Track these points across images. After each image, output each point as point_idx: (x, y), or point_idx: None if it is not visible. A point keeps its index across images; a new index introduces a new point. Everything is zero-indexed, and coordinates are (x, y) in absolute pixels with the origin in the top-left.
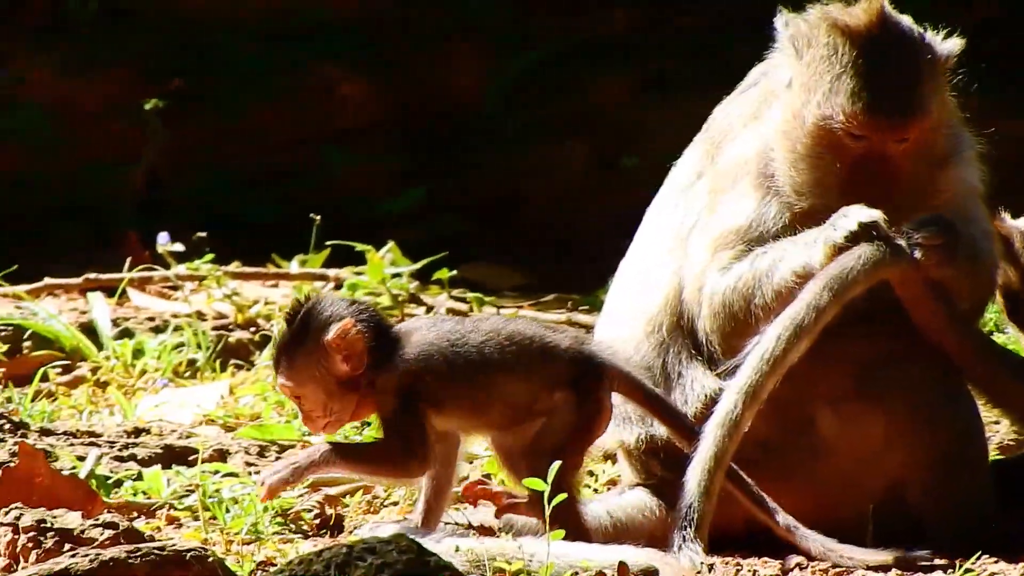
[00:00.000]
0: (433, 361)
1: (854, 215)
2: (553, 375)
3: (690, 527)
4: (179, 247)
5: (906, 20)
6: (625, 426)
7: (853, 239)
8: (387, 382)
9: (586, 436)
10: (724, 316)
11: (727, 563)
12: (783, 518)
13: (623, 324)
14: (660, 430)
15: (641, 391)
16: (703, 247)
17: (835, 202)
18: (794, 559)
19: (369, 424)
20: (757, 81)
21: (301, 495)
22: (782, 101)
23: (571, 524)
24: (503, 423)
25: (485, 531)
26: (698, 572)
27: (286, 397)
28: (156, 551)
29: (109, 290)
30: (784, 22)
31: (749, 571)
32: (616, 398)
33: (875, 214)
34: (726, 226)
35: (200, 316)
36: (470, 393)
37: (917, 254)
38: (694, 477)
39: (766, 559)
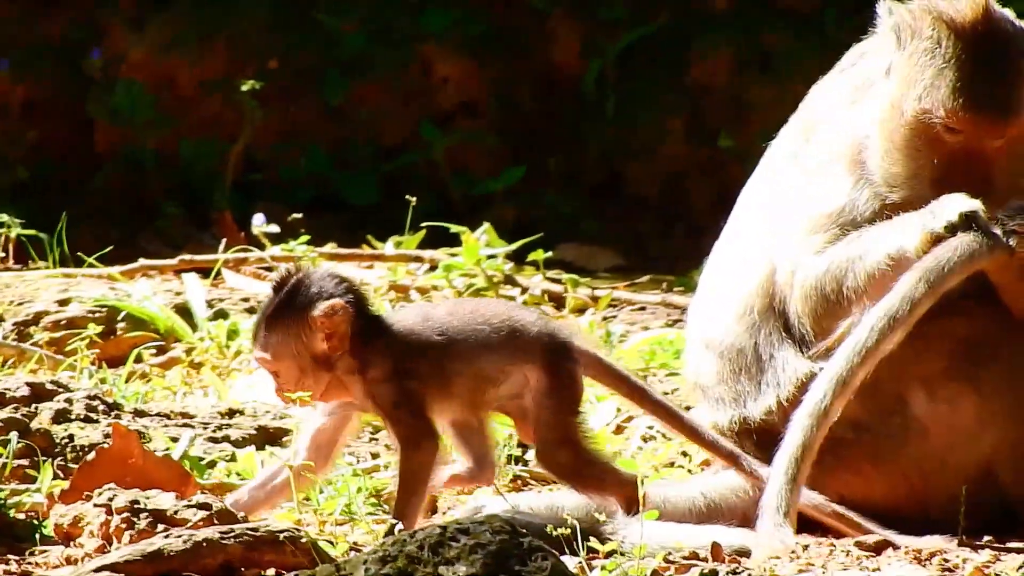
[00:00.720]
0: (417, 342)
1: (955, 205)
2: (522, 350)
3: (778, 514)
4: (274, 228)
5: (1010, 15)
6: (719, 408)
7: (952, 229)
8: (379, 371)
9: (568, 407)
10: (816, 299)
11: (820, 543)
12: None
13: (715, 306)
14: (754, 412)
15: (609, 372)
16: (796, 231)
17: (928, 194)
18: (873, 538)
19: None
20: (855, 63)
21: (394, 476)
22: (880, 89)
23: (591, 487)
24: (472, 400)
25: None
26: (792, 551)
27: (260, 366)
28: (249, 532)
29: (204, 271)
30: (887, 9)
31: (843, 551)
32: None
33: (975, 204)
34: (819, 210)
35: None
36: (446, 368)
37: (1012, 242)
38: (781, 465)
39: (859, 538)
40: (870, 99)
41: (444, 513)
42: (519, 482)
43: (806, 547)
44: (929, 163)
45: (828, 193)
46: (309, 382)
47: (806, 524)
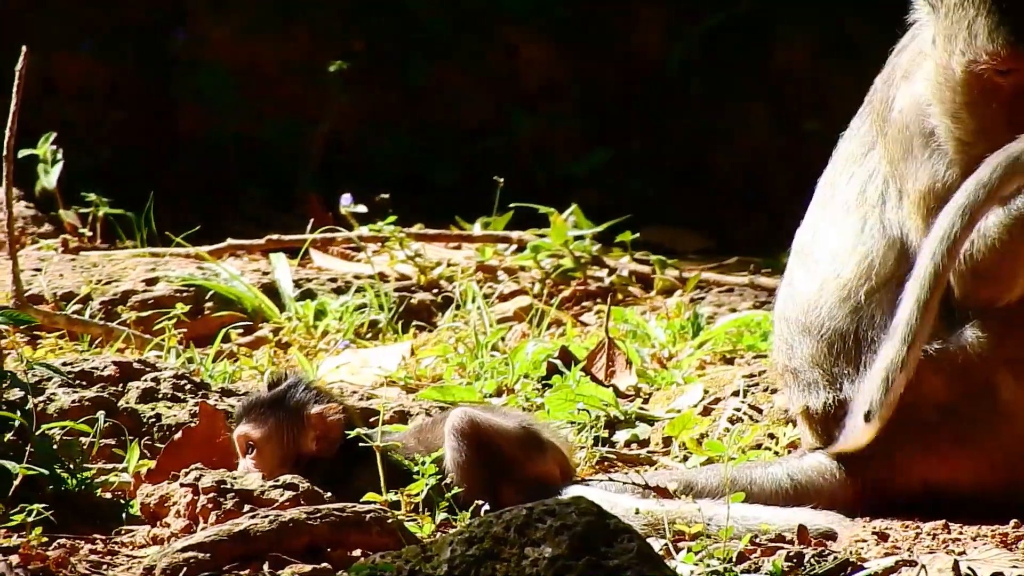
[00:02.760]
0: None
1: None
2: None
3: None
4: (362, 208)
5: None
6: (811, 391)
7: None
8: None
9: None
10: (967, 273)
11: (906, 527)
12: None
13: (809, 290)
14: (849, 394)
15: None
16: (913, 214)
17: (1002, 143)
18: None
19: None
20: (906, 45)
21: None
22: (930, 60)
23: None
24: None
25: (662, 493)
26: (876, 533)
27: (236, 444)
28: (336, 512)
29: (291, 251)
30: None
31: (928, 534)
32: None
33: None
34: (922, 190)
35: (382, 277)
36: None
37: None
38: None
39: (946, 522)
40: (923, 71)
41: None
42: (605, 464)
43: (887, 532)
44: (992, 112)
45: (916, 175)
46: (280, 472)
47: (892, 508)
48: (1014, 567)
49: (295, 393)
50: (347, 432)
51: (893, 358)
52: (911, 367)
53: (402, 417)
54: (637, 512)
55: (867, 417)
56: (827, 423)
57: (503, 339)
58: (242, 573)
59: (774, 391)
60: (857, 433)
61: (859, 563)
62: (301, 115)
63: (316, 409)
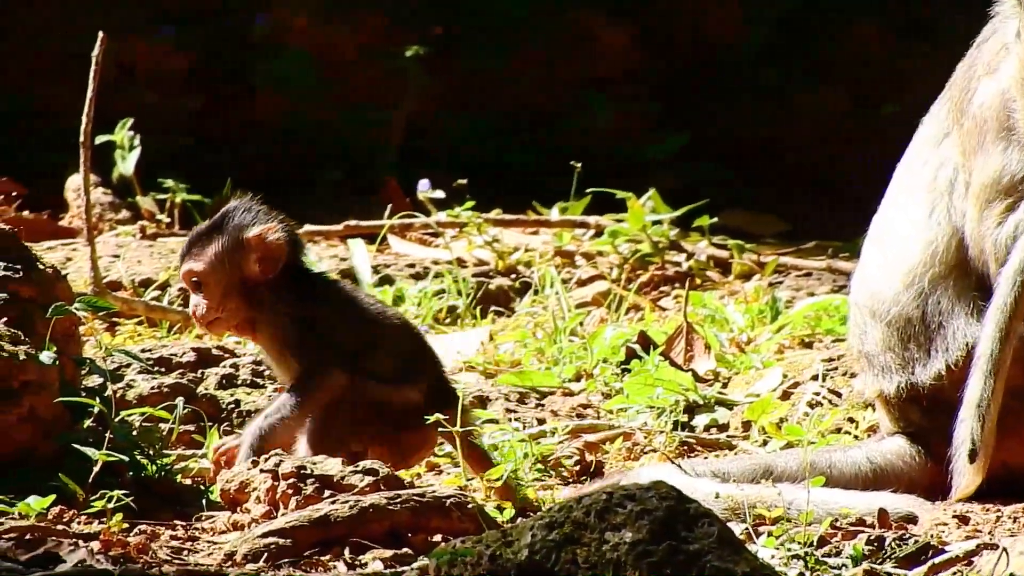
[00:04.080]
0: (332, 307)
1: None
2: (419, 372)
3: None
4: (439, 194)
5: None
6: (885, 375)
7: None
8: (287, 308)
9: (397, 444)
10: None
11: (987, 509)
12: None
13: (880, 275)
14: (922, 378)
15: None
16: (971, 206)
17: None
18: None
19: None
20: (987, 37)
21: (561, 441)
22: (1013, 53)
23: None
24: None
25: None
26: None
27: (184, 283)
28: (416, 498)
29: (369, 237)
30: None
31: (1009, 517)
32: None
33: None
34: (984, 182)
35: (460, 263)
36: (353, 344)
37: None
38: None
39: None
40: (1006, 64)
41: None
42: (685, 448)
43: (967, 516)
44: None
45: (987, 165)
46: (231, 306)
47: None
48: None
49: (233, 217)
50: (294, 252)
51: (982, 392)
52: (999, 395)
53: (481, 402)
54: (717, 496)
55: (972, 457)
56: (903, 407)
57: (581, 324)
58: (323, 558)
59: (853, 375)
60: (968, 475)
61: (940, 547)
62: (379, 100)
63: (255, 231)
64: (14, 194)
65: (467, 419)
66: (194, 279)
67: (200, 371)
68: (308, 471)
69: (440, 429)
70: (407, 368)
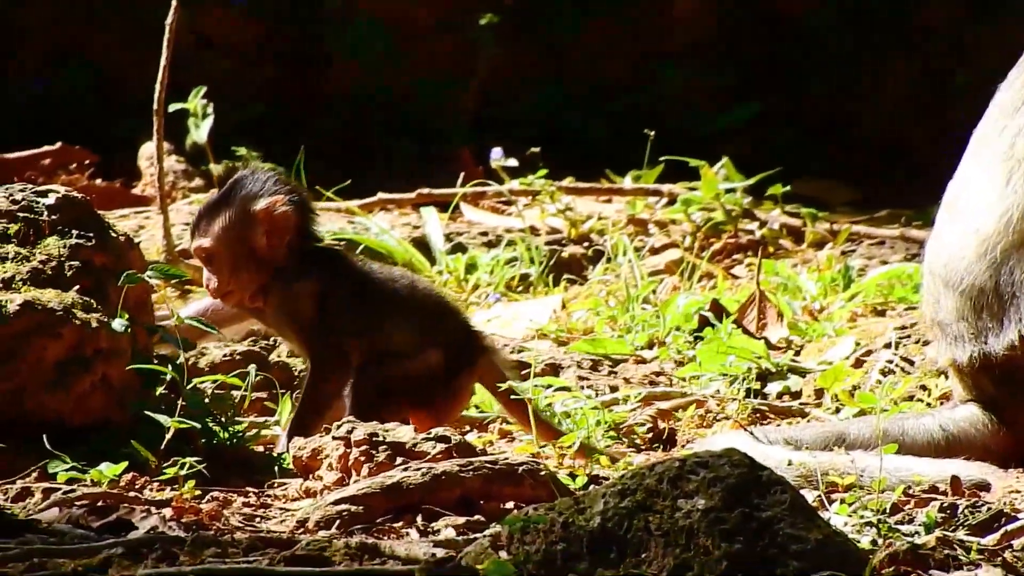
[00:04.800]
0: (342, 282)
1: None
2: (437, 333)
3: None
4: (512, 162)
5: None
6: (958, 344)
7: None
8: (308, 286)
9: (431, 407)
10: None
11: None
12: None
13: (952, 244)
14: (995, 347)
15: (505, 394)
16: None
17: None
18: None
19: None
20: None
21: (634, 409)
22: None
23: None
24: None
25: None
26: None
27: (198, 259)
28: (488, 465)
29: (442, 205)
30: None
31: None
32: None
33: None
34: None
35: (533, 231)
36: (365, 321)
37: None
38: None
39: None
40: None
41: (683, 447)
42: (757, 416)
43: None
44: None
45: None
46: (243, 278)
47: None
48: None
49: (241, 189)
50: (305, 224)
51: None
52: None
53: (554, 370)
54: (789, 464)
55: None
56: (975, 376)
57: (654, 292)
58: (395, 525)
59: (926, 343)
60: None
61: (1013, 514)
62: (452, 70)
63: (263, 203)
64: (87, 162)
65: (503, 369)
66: (204, 255)
67: (272, 338)
68: (380, 438)
69: (512, 396)
70: (423, 335)
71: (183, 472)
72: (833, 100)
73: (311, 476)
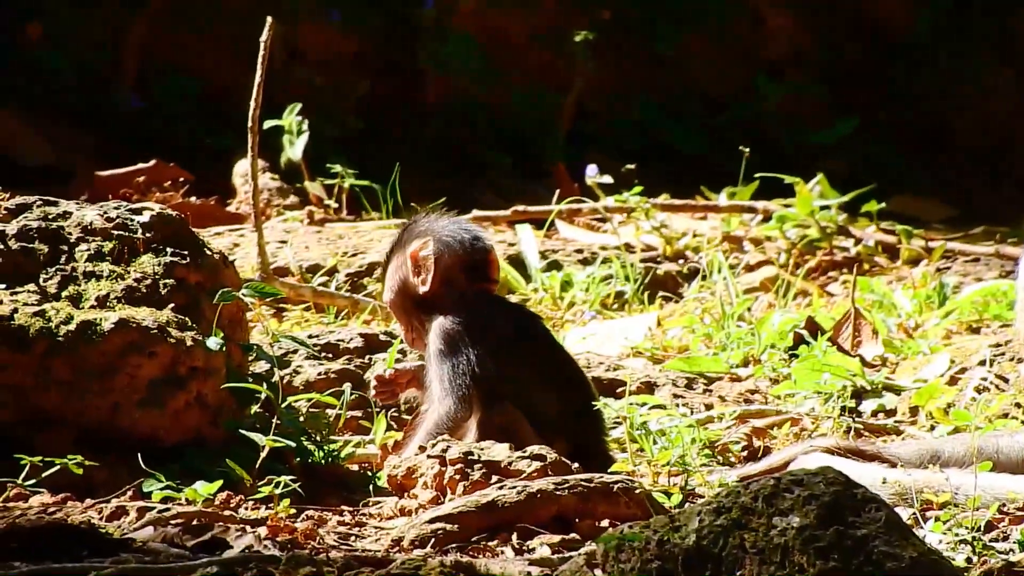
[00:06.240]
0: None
1: None
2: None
3: None
4: (607, 179)
5: None
6: None
7: None
8: (447, 321)
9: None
10: None
11: None
12: None
13: None
14: None
15: None
16: None
17: None
18: None
19: None
20: None
21: (729, 427)
22: None
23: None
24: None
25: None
26: None
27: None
28: (583, 483)
29: (537, 222)
30: None
31: None
32: None
33: None
34: None
35: (628, 248)
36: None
37: None
38: None
39: None
40: None
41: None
42: (852, 433)
43: None
44: None
45: None
46: (415, 321)
47: None
48: None
49: (403, 234)
50: (474, 270)
51: None
52: None
53: (649, 387)
54: (884, 482)
55: None
56: None
57: (749, 309)
58: (490, 544)
59: (1020, 360)
60: None
61: None
62: (548, 84)
63: (412, 247)
64: (181, 180)
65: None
66: (388, 306)
67: (367, 356)
68: (475, 457)
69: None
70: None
71: (278, 491)
72: (936, 113)
73: (406, 495)
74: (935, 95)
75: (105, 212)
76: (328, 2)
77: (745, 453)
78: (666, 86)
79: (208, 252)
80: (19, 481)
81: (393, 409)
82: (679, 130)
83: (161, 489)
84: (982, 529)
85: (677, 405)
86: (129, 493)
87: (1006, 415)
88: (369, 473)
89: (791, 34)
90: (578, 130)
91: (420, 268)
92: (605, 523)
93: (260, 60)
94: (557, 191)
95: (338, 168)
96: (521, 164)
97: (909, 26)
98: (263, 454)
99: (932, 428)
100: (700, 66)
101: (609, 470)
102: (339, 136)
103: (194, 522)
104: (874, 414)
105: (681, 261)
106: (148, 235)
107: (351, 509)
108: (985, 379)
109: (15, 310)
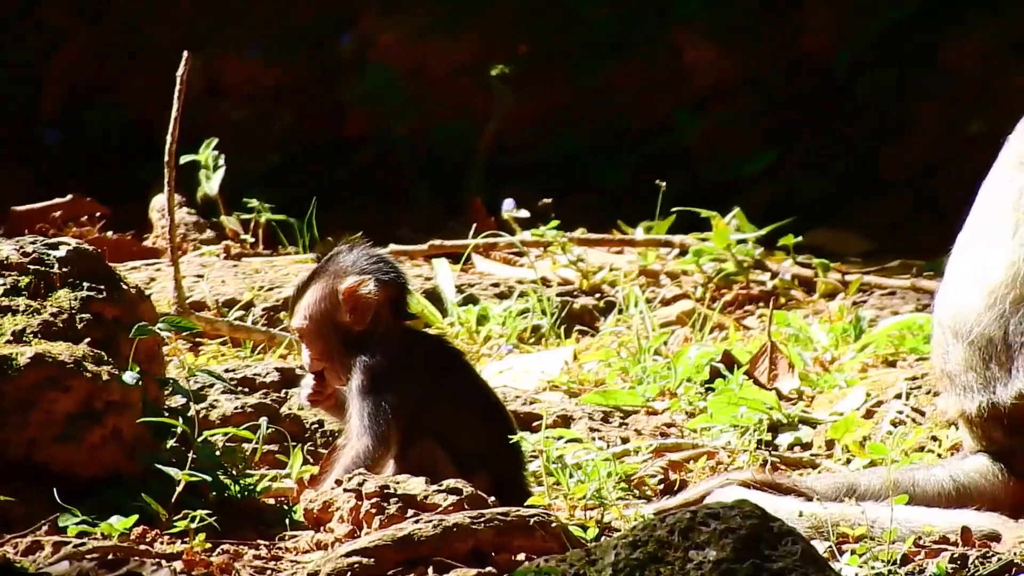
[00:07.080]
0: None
1: None
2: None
3: None
4: (524, 213)
5: None
6: (967, 395)
7: None
8: (373, 362)
9: None
10: None
11: None
12: None
13: (962, 295)
14: (1004, 397)
15: None
16: None
17: None
18: None
19: None
20: None
21: (645, 460)
22: None
23: None
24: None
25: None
26: None
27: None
28: (500, 517)
29: (455, 256)
30: None
31: None
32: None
33: None
34: None
35: (545, 282)
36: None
37: None
38: None
39: None
40: None
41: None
42: (769, 467)
43: None
44: None
45: None
46: (334, 360)
47: None
48: None
49: (329, 266)
50: (399, 306)
51: None
52: None
53: (565, 421)
54: (801, 515)
55: None
56: (985, 426)
57: (665, 343)
58: None
59: (936, 394)
60: None
61: (1023, 564)
62: (469, 118)
63: (348, 283)
64: (98, 214)
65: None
66: (297, 335)
67: (284, 391)
68: (392, 490)
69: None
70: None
71: (194, 525)
72: (858, 146)
73: (322, 528)
74: (857, 128)
75: (21, 247)
76: (249, 36)
77: (662, 487)
78: (586, 119)
79: (125, 287)
80: None
81: (309, 443)
82: (598, 163)
83: (77, 524)
84: (898, 562)
85: (593, 439)
86: (45, 528)
87: (922, 448)
88: (285, 507)
89: (714, 67)
90: (498, 164)
91: (356, 306)
92: (522, 557)
93: (176, 94)
94: (474, 225)
95: (254, 203)
96: (440, 198)
97: (833, 60)
98: (179, 488)
99: (848, 461)
100: (622, 99)
101: (526, 504)
102: (259, 170)
103: (110, 556)
104: (790, 447)
105: (598, 295)
106: (65, 270)
107: (267, 543)
108: (901, 412)
109: None
